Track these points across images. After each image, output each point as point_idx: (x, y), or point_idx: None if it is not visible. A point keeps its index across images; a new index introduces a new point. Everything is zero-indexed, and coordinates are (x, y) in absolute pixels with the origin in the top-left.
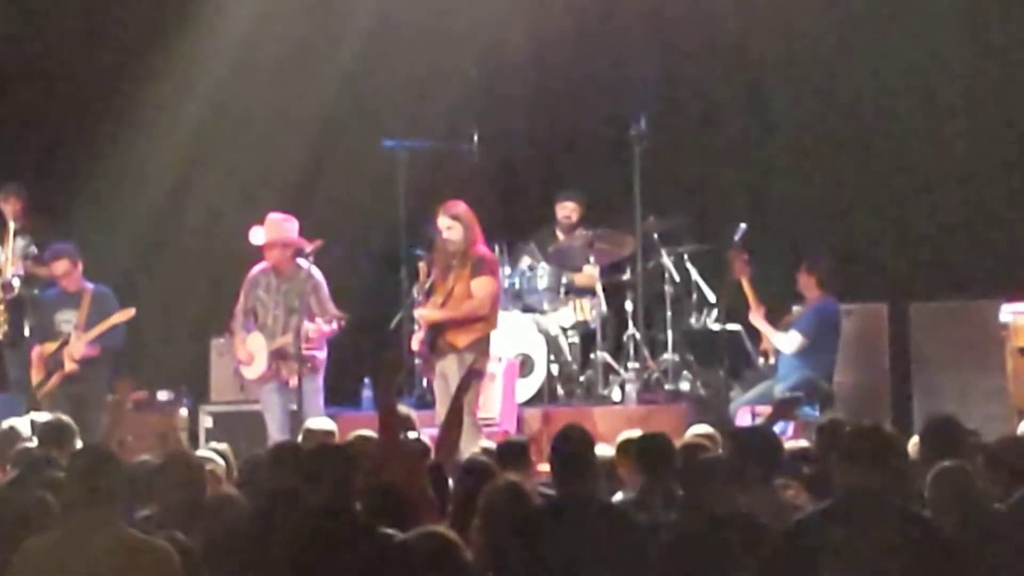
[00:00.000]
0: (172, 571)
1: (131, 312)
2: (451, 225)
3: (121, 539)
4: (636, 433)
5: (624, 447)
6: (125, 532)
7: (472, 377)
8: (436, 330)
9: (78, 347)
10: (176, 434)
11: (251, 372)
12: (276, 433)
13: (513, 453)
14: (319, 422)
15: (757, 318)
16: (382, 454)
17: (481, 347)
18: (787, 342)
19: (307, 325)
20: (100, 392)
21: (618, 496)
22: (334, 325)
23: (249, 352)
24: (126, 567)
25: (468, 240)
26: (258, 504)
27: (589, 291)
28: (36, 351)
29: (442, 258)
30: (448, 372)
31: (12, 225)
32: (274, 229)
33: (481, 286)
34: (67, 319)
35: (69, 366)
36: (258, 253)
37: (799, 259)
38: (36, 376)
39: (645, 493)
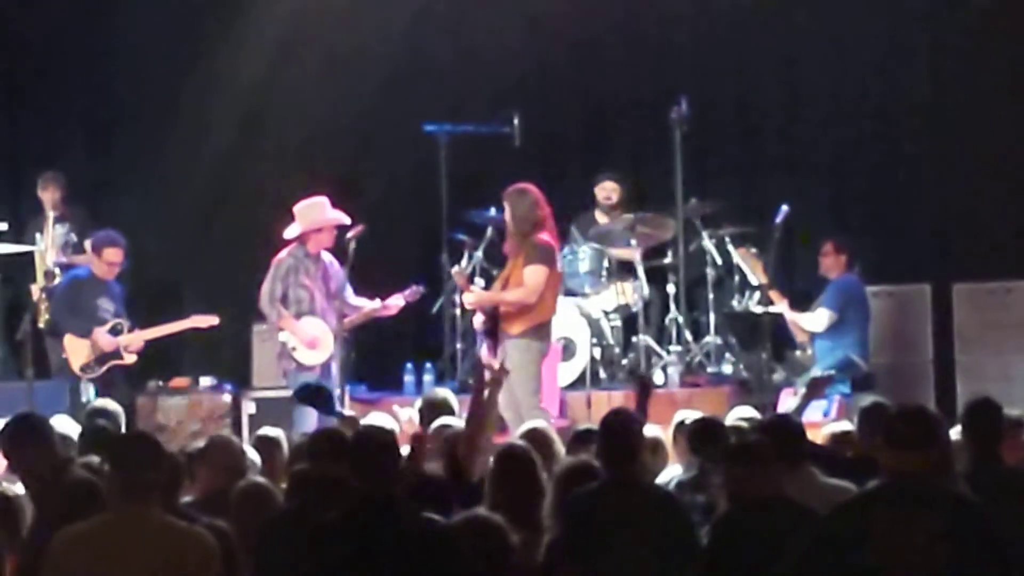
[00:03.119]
0: (212, 558)
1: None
2: (504, 205)
3: (161, 527)
4: (693, 413)
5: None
6: (165, 520)
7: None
8: (495, 316)
9: (137, 340)
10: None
11: (315, 357)
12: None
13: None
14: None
15: (782, 308)
16: (465, 449)
17: (538, 334)
18: (816, 321)
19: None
20: (127, 385)
21: (669, 474)
22: (411, 298)
23: (314, 336)
24: (166, 555)
25: (524, 224)
26: (303, 490)
27: (631, 272)
28: (96, 333)
29: (509, 239)
30: (504, 357)
31: (51, 213)
32: (311, 215)
33: (531, 275)
34: (107, 307)
35: (129, 358)
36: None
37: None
38: (80, 358)
39: (703, 474)
